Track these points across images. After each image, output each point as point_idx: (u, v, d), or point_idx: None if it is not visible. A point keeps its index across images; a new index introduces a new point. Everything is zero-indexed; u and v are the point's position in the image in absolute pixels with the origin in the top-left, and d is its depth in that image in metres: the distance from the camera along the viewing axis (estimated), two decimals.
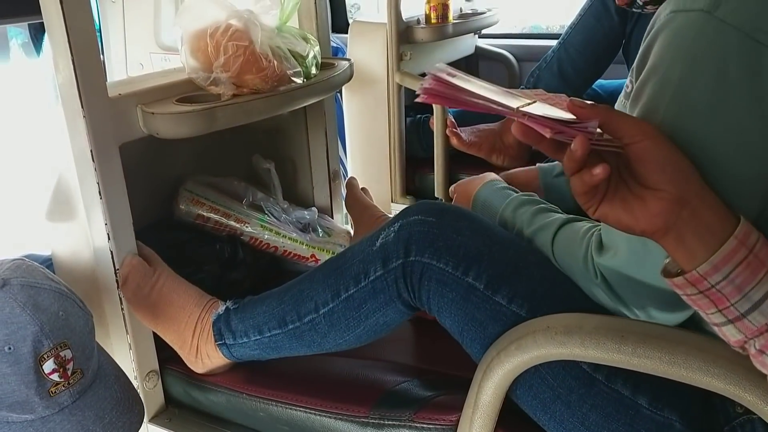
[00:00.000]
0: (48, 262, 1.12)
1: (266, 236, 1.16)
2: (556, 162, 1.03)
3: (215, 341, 0.90)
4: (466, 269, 0.72)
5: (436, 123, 1.64)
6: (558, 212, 0.81)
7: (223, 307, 0.92)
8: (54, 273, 1.03)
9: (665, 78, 0.57)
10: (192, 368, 0.94)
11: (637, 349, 0.60)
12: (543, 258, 0.76)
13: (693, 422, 0.64)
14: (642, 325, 0.62)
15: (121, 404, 0.74)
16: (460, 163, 1.69)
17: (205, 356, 0.92)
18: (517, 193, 0.89)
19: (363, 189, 1.26)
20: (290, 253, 1.19)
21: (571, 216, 0.77)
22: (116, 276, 0.90)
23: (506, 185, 0.93)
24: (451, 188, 1.04)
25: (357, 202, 1.25)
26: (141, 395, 0.95)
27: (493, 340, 0.70)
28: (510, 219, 0.84)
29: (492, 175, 1.01)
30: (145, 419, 0.97)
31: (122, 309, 0.92)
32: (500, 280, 0.71)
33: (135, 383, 0.95)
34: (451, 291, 0.73)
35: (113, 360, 0.81)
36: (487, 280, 0.72)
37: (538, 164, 1.06)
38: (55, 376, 0.67)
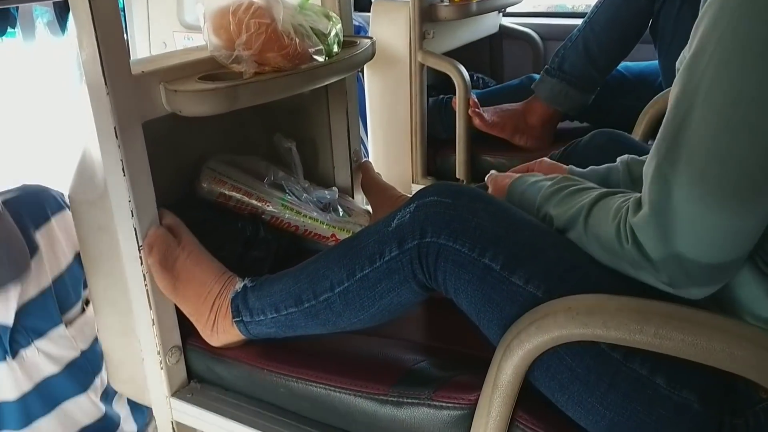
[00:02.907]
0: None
1: (287, 216, 1.17)
2: (590, 168, 1.01)
3: (232, 318, 0.92)
4: (482, 250, 0.72)
5: (458, 103, 1.63)
6: (594, 188, 0.79)
7: (241, 285, 0.93)
8: (79, 249, 1.05)
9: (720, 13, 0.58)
10: (207, 341, 0.96)
11: (660, 330, 0.59)
12: (561, 239, 0.75)
13: (712, 404, 0.63)
14: (665, 306, 0.62)
15: None
16: (482, 144, 1.68)
17: (221, 331, 0.93)
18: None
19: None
20: (311, 232, 1.19)
21: (607, 190, 0.75)
22: (140, 252, 0.91)
23: (542, 176, 0.91)
24: (487, 177, 1.03)
25: (374, 183, 1.25)
26: (164, 371, 0.97)
27: (509, 321, 0.70)
28: (544, 207, 0.82)
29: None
30: (168, 393, 0.99)
31: (146, 285, 0.93)
32: (516, 261, 0.71)
33: (158, 358, 0.97)
34: (468, 272, 0.73)
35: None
36: (503, 261, 0.71)
37: (569, 167, 1.04)
38: None
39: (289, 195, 1.17)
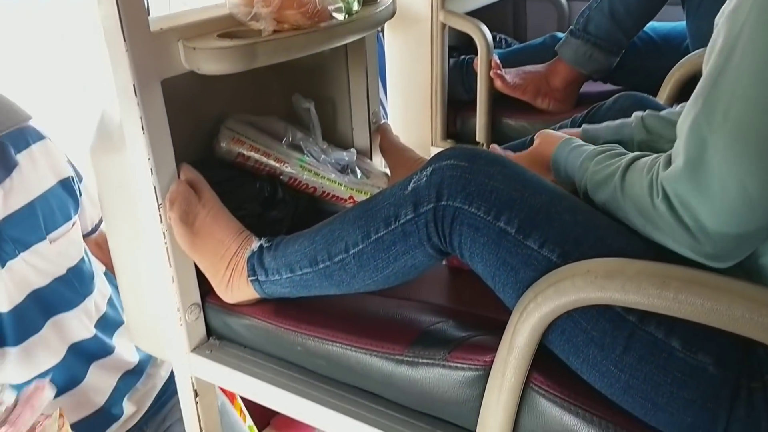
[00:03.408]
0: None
1: (305, 177, 1.16)
2: (604, 125, 0.99)
3: (248, 277, 0.93)
4: (497, 214, 0.72)
5: (480, 64, 1.60)
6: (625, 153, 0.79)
7: (257, 245, 0.94)
8: (101, 205, 1.06)
9: None
10: (222, 297, 0.98)
11: (679, 295, 0.59)
12: (577, 202, 0.75)
13: (728, 368, 0.63)
14: (685, 271, 0.61)
15: None
16: (504, 107, 1.65)
17: (236, 289, 0.95)
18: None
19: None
20: (328, 194, 1.19)
21: (638, 153, 0.75)
22: (159, 211, 0.92)
23: (582, 143, 0.91)
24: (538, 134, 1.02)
25: (392, 145, 1.24)
26: (183, 327, 0.99)
27: (524, 285, 0.70)
28: (585, 163, 0.82)
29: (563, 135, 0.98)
30: (187, 349, 1.01)
31: (165, 243, 0.94)
32: (532, 224, 0.71)
33: (177, 315, 0.98)
34: (483, 236, 0.73)
35: None
36: (518, 224, 0.71)
37: (583, 127, 1.02)
38: None
39: (308, 156, 1.17)
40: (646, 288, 0.60)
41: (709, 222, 0.62)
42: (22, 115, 1.20)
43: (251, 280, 0.93)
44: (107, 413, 1.40)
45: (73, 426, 1.26)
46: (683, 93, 1.35)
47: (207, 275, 0.97)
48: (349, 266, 0.84)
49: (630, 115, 1.01)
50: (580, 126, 1.05)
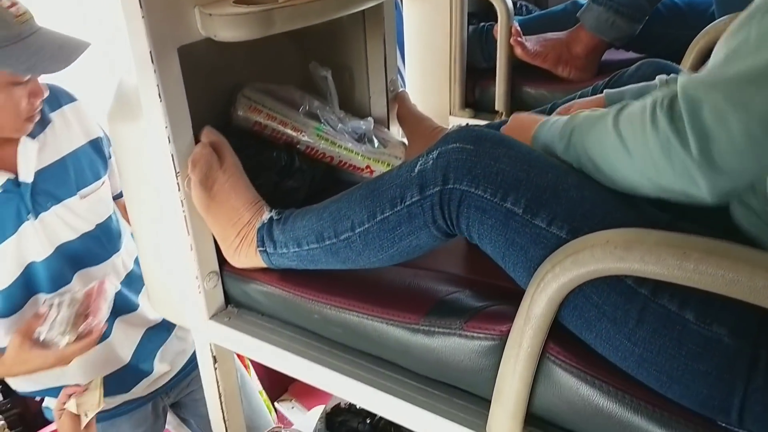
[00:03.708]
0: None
1: (322, 146, 1.16)
2: (626, 87, 0.97)
3: (257, 247, 0.95)
4: (504, 195, 0.72)
5: (499, 31, 1.57)
6: None
7: (268, 216, 0.95)
8: (119, 173, 1.07)
9: None
10: (229, 261, 1.00)
11: (699, 266, 0.58)
12: (584, 179, 0.74)
13: (744, 338, 0.62)
14: (706, 241, 0.60)
15: None
16: (524, 75, 1.63)
17: (244, 256, 0.97)
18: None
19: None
20: (345, 163, 1.19)
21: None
22: (177, 178, 0.92)
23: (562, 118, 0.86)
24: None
25: (410, 114, 1.23)
26: (202, 295, 1.00)
27: (535, 264, 0.70)
28: (570, 124, 0.78)
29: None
30: (206, 317, 1.02)
31: (183, 211, 0.95)
32: (539, 203, 0.71)
33: (196, 283, 0.99)
34: (491, 218, 0.73)
35: None
36: (525, 204, 0.71)
37: (605, 90, 1.00)
38: None
39: (324, 125, 1.16)
40: (665, 259, 0.59)
41: (722, 146, 0.58)
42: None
43: (260, 251, 0.95)
44: (135, 368, 1.45)
45: (107, 378, 1.32)
46: (707, 61, 1.32)
47: (217, 238, 0.98)
48: (355, 244, 0.85)
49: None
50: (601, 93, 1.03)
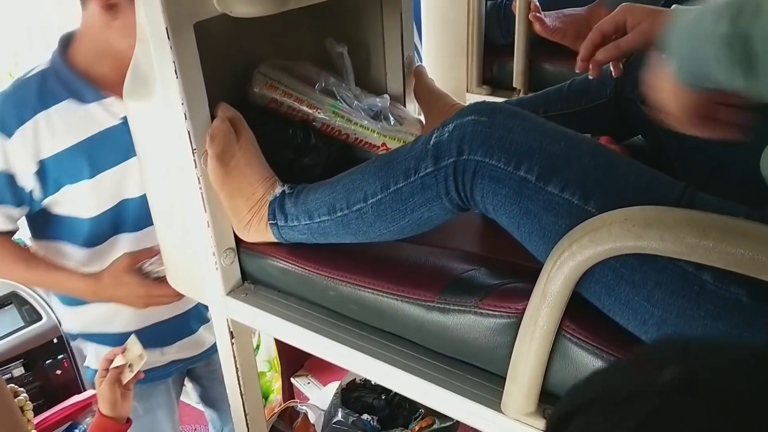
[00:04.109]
0: None
1: (338, 123, 1.15)
2: None
3: (268, 220, 0.95)
4: (517, 164, 0.72)
5: (518, 6, 1.55)
6: None
7: (280, 190, 0.96)
8: (136, 150, 1.08)
9: None
10: (239, 235, 1.01)
11: (719, 244, 0.57)
12: (598, 146, 0.75)
13: (764, 297, 0.62)
14: (726, 219, 0.59)
15: None
16: (542, 51, 1.61)
17: (254, 230, 0.98)
18: None
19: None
20: (361, 141, 1.18)
21: None
22: (193, 155, 0.92)
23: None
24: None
25: (427, 90, 1.22)
26: (219, 271, 1.01)
27: (548, 231, 0.71)
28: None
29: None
30: (223, 293, 1.03)
31: (200, 188, 0.95)
32: (552, 170, 0.71)
33: (213, 259, 1.00)
34: (504, 187, 0.73)
35: None
36: (538, 171, 0.72)
37: (674, 6, 0.91)
38: None
39: (340, 102, 1.16)
40: (684, 237, 0.59)
41: None
42: None
43: (270, 224, 0.95)
44: (182, 324, 1.50)
45: (155, 326, 1.41)
46: None
47: (229, 213, 0.99)
48: (367, 215, 0.85)
49: None
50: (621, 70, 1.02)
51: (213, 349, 1.57)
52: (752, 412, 0.32)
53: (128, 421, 1.20)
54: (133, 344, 1.25)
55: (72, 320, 1.47)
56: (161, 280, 1.26)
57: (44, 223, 1.35)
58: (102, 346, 1.45)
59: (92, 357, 1.49)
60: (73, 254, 1.35)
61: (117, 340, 1.34)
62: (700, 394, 0.33)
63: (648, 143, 1.03)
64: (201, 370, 1.67)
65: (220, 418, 1.78)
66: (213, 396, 1.73)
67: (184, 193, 0.97)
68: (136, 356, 1.23)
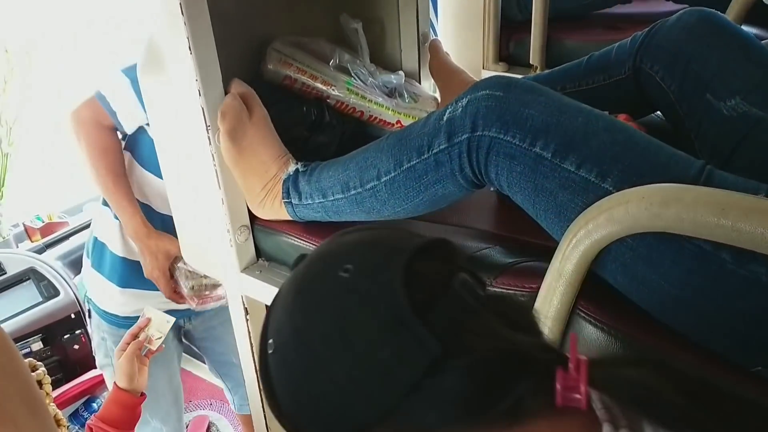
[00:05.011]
0: None
1: (352, 100, 1.15)
2: None
3: (282, 199, 0.95)
4: (533, 140, 0.71)
5: None
6: None
7: (293, 168, 0.95)
8: (151, 130, 1.08)
9: None
10: (254, 213, 1.01)
11: (738, 224, 0.56)
12: (615, 122, 0.73)
13: None
14: (745, 198, 0.58)
15: None
16: (560, 27, 1.58)
17: (269, 208, 0.97)
18: None
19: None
20: (376, 118, 1.18)
21: None
22: (208, 132, 0.92)
23: None
24: None
25: (443, 66, 1.20)
26: (233, 248, 1.01)
27: (564, 208, 0.70)
28: None
29: None
30: (238, 269, 1.03)
31: (214, 165, 0.95)
32: (568, 147, 0.70)
33: (227, 236, 1.00)
34: (520, 164, 0.72)
35: None
36: (554, 148, 0.70)
37: None
38: None
39: (355, 79, 1.15)
40: (703, 216, 0.58)
41: None
42: None
43: (284, 202, 0.95)
44: None
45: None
46: (752, 12, 1.26)
47: (243, 190, 0.99)
48: (380, 194, 0.84)
49: (695, 33, 0.95)
50: (640, 45, 1.00)
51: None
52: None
53: (142, 395, 1.22)
54: (157, 318, 1.27)
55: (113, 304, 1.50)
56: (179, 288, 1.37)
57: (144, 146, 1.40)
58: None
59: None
60: (158, 186, 1.40)
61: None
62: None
63: (667, 120, 1.01)
64: (199, 329, 1.69)
65: (229, 387, 1.81)
66: (217, 358, 1.76)
67: (199, 170, 0.98)
68: (163, 323, 1.26)
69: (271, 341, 0.51)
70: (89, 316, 1.55)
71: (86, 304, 1.55)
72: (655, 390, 0.48)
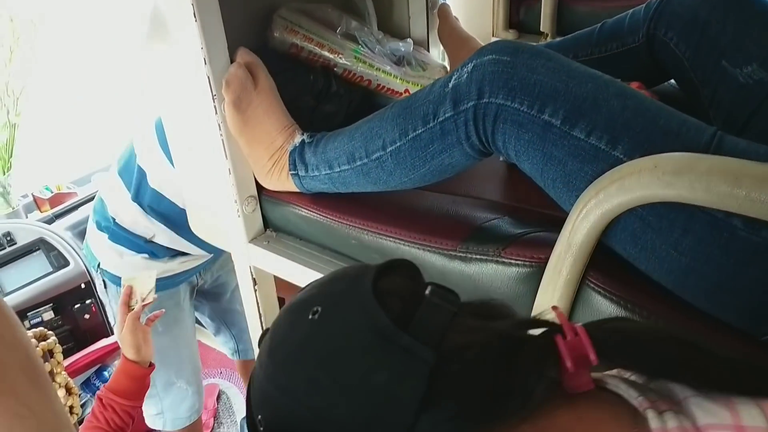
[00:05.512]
0: None
1: (360, 68, 1.13)
2: None
3: (289, 170, 0.94)
4: (541, 107, 0.69)
5: None
6: None
7: (299, 140, 0.94)
8: (156, 100, 1.07)
9: None
10: (262, 184, 1.00)
11: (752, 193, 0.55)
12: (625, 88, 0.71)
13: None
14: (759, 166, 0.57)
15: None
16: None
17: (275, 179, 0.97)
18: None
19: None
20: (383, 87, 1.16)
21: None
22: (214, 102, 0.91)
23: None
24: None
25: (452, 33, 1.18)
26: (241, 219, 1.01)
27: (573, 177, 0.68)
28: None
29: None
30: (245, 240, 1.03)
31: (221, 135, 0.94)
32: (577, 114, 0.68)
33: (235, 207, 1.00)
34: (528, 132, 0.70)
35: None
36: (564, 115, 0.68)
37: None
38: None
39: (362, 47, 1.13)
40: (716, 186, 0.57)
41: None
42: None
43: (291, 174, 0.94)
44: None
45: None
46: None
47: (249, 161, 0.98)
48: (386, 164, 0.83)
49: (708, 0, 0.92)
50: (654, 12, 0.97)
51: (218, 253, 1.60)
52: None
53: (151, 365, 1.23)
54: (138, 281, 1.27)
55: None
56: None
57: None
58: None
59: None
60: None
61: None
62: None
63: (681, 88, 0.99)
64: (208, 282, 1.71)
65: (233, 334, 1.83)
66: (222, 306, 1.78)
67: (206, 141, 0.97)
68: (146, 288, 1.26)
69: (259, 417, 0.47)
70: (105, 287, 1.55)
71: (99, 276, 1.55)
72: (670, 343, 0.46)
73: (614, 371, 0.49)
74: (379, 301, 0.45)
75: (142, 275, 1.28)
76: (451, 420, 0.42)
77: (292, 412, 0.45)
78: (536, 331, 0.47)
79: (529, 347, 0.45)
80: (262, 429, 0.47)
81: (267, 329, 0.52)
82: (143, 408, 1.56)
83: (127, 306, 1.24)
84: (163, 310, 1.31)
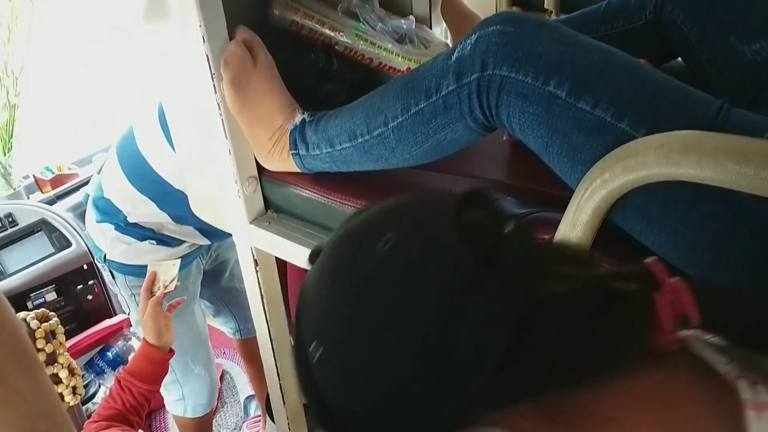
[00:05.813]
0: None
1: (361, 47, 1.11)
2: None
3: (290, 150, 0.93)
4: (546, 78, 0.67)
5: None
6: None
7: (300, 119, 0.92)
8: (153, 79, 1.06)
9: None
10: (263, 165, 0.99)
11: (761, 171, 0.54)
12: (632, 60, 0.69)
13: None
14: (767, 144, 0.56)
15: None
16: None
17: (277, 160, 0.95)
18: None
19: None
20: (385, 65, 1.14)
21: None
22: (213, 81, 0.90)
23: None
24: None
25: (456, 10, 1.17)
26: (242, 199, 1.00)
27: (578, 150, 0.67)
28: None
29: None
30: (246, 221, 1.02)
31: (221, 115, 0.93)
32: (583, 85, 0.66)
33: (235, 187, 0.99)
34: (532, 104, 0.68)
35: None
36: (569, 86, 0.66)
37: None
38: None
39: (364, 24, 1.11)
40: (724, 164, 0.56)
41: None
42: None
43: (292, 154, 0.93)
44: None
45: None
46: None
47: (250, 141, 0.97)
48: (388, 140, 0.82)
49: None
50: None
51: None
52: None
53: (171, 351, 1.24)
54: (162, 267, 1.28)
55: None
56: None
57: None
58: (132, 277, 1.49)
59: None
60: None
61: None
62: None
63: (688, 66, 0.98)
64: (210, 262, 1.72)
65: (234, 314, 1.83)
66: (224, 284, 1.79)
67: (205, 120, 0.96)
68: (168, 276, 1.27)
69: (312, 347, 0.43)
70: (113, 278, 1.55)
71: (106, 268, 1.54)
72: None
73: (692, 331, 0.44)
74: (463, 238, 0.41)
75: (166, 263, 1.29)
76: (533, 377, 0.39)
77: (357, 347, 0.42)
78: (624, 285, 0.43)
79: (628, 302, 0.41)
80: (317, 356, 0.43)
81: (319, 247, 0.49)
82: (163, 394, 1.58)
83: (150, 292, 1.25)
84: (184, 297, 1.31)
